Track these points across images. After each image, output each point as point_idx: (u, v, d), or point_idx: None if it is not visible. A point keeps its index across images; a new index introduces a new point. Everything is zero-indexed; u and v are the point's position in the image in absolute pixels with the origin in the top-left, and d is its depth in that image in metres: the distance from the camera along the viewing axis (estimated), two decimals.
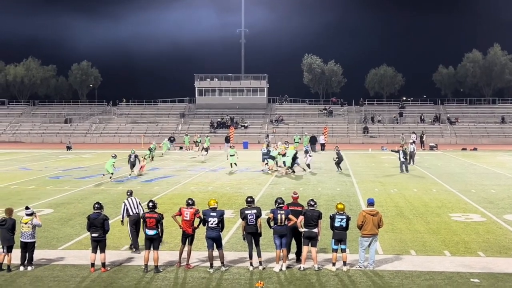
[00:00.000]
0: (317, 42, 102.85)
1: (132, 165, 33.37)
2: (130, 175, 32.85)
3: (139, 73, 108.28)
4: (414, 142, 43.07)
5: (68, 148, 56.56)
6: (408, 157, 36.03)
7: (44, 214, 20.69)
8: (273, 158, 34.05)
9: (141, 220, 14.40)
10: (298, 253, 14.52)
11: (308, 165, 34.91)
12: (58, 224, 19.35)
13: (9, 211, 14.33)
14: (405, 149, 35.72)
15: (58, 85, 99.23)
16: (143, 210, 15.51)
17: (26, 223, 14.00)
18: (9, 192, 27.12)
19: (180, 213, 14.27)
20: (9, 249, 13.89)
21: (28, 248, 13.99)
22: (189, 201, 14.47)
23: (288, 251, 14.06)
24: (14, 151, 55.08)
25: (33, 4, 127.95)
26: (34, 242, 14.16)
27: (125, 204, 15.80)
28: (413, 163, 38.48)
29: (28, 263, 14.01)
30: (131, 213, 15.60)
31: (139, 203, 15.94)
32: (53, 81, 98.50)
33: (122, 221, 15.88)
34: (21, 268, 13.91)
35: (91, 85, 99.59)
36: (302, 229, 13.95)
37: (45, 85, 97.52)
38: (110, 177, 30.84)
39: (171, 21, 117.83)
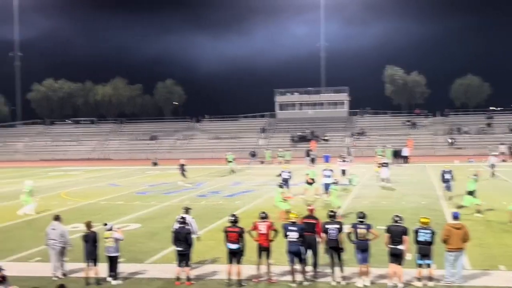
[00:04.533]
0: (398, 52, 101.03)
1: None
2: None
3: (221, 89, 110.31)
4: (501, 153, 41.54)
5: (154, 164, 58.22)
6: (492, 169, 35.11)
7: (132, 229, 21.41)
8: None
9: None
10: (315, 265, 14.48)
11: (387, 179, 34.13)
12: (145, 238, 19.96)
13: (89, 224, 14.86)
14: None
15: (144, 103, 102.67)
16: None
17: (107, 238, 14.51)
18: (99, 207, 28.25)
19: (255, 227, 14.38)
20: (94, 262, 14.44)
21: (113, 262, 14.50)
22: (262, 214, 14.57)
23: (364, 265, 13.83)
24: (103, 168, 57.34)
25: (116, 26, 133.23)
26: (117, 256, 14.63)
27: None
28: (494, 175, 37.36)
29: (113, 276, 14.50)
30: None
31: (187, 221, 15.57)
32: (139, 99, 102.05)
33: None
34: (109, 279, 14.43)
35: (175, 103, 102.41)
36: (389, 246, 13.62)
37: (131, 103, 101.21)
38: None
39: (250, 37, 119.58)
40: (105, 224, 14.96)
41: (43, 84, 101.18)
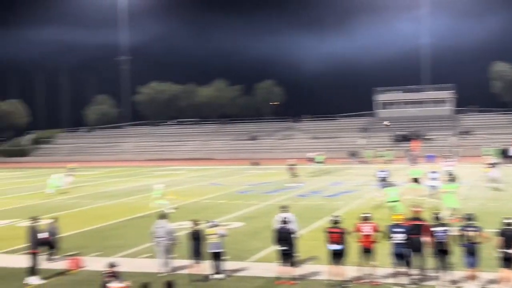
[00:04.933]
0: (506, 48, 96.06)
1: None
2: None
3: (320, 89, 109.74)
4: None
5: (255, 163, 58.94)
6: None
7: (235, 227, 21.76)
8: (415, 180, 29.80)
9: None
10: (420, 268, 14.02)
11: (496, 180, 32.50)
12: (247, 237, 20.24)
13: (196, 222, 15.26)
14: None
15: (244, 104, 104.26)
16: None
17: (211, 234, 14.83)
18: (202, 206, 28.97)
19: (358, 228, 14.17)
20: (201, 259, 14.77)
21: (217, 258, 14.82)
22: (366, 215, 14.32)
23: (473, 269, 13.24)
24: (205, 168, 58.77)
25: (219, 29, 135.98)
26: (222, 252, 14.95)
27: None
28: None
29: (220, 271, 14.82)
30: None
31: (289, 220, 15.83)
32: (240, 100, 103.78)
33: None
34: (213, 276, 14.75)
35: (274, 103, 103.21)
36: (501, 251, 12.96)
37: (232, 104, 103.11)
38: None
39: (351, 35, 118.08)
40: (208, 222, 15.31)
41: (149, 87, 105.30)
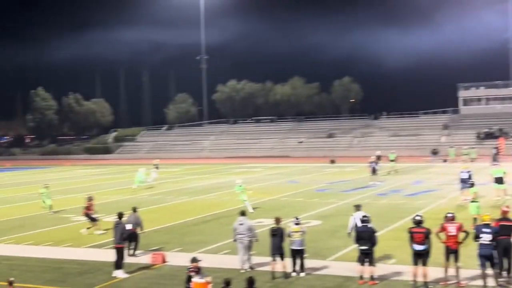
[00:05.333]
0: None
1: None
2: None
3: (399, 85, 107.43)
4: None
5: (332, 161, 58.49)
6: None
7: (313, 226, 21.67)
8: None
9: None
10: (508, 271, 13.44)
11: None
12: (326, 235, 20.11)
13: (278, 220, 15.32)
14: None
15: (322, 102, 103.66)
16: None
17: (297, 232, 14.84)
18: (279, 203, 29.03)
19: (443, 229, 13.74)
20: (281, 257, 14.80)
21: (298, 255, 14.81)
22: (450, 215, 13.87)
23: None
24: (282, 165, 58.86)
25: (296, 26, 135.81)
26: (304, 250, 14.97)
27: (354, 218, 16.16)
28: None
29: (300, 269, 14.82)
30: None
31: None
32: (316, 98, 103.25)
33: (349, 233, 16.18)
34: (293, 274, 14.75)
35: (352, 100, 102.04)
36: None
37: (309, 102, 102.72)
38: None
39: (435, 30, 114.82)
40: (297, 218, 15.32)
41: (227, 85, 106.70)
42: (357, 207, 16.73)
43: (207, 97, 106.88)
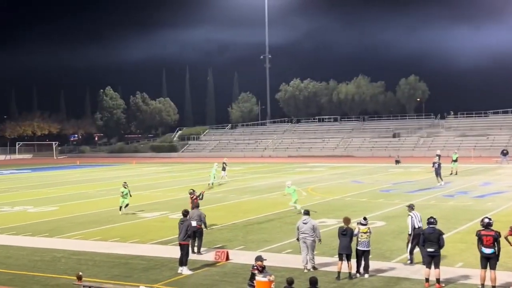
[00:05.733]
0: None
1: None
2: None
3: (469, 84, 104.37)
4: None
5: (397, 162, 57.52)
6: None
7: (377, 226, 21.39)
8: None
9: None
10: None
11: None
12: (391, 236, 19.81)
13: (347, 220, 15.18)
14: None
15: (386, 101, 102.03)
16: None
17: (365, 232, 14.69)
18: (343, 203, 28.79)
19: None
20: (348, 257, 14.68)
21: (364, 256, 14.68)
22: None
23: None
24: (346, 165, 58.34)
25: (362, 25, 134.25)
26: (369, 251, 14.84)
27: (411, 217, 15.86)
28: None
29: (364, 270, 14.67)
30: (416, 227, 15.59)
31: (421, 219, 15.78)
32: (381, 97, 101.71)
33: (410, 234, 15.79)
34: (358, 275, 14.61)
35: (418, 99, 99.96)
36: None
37: (374, 101, 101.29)
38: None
39: (504, 26, 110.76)
40: (365, 219, 15.20)
41: (290, 84, 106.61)
42: (411, 207, 16.44)
43: (270, 96, 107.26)
